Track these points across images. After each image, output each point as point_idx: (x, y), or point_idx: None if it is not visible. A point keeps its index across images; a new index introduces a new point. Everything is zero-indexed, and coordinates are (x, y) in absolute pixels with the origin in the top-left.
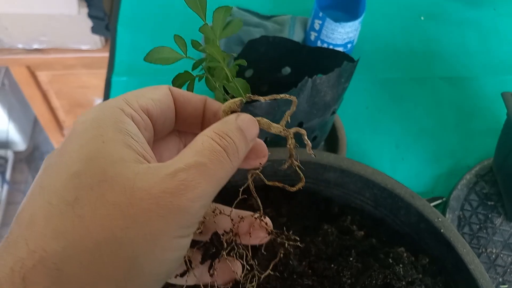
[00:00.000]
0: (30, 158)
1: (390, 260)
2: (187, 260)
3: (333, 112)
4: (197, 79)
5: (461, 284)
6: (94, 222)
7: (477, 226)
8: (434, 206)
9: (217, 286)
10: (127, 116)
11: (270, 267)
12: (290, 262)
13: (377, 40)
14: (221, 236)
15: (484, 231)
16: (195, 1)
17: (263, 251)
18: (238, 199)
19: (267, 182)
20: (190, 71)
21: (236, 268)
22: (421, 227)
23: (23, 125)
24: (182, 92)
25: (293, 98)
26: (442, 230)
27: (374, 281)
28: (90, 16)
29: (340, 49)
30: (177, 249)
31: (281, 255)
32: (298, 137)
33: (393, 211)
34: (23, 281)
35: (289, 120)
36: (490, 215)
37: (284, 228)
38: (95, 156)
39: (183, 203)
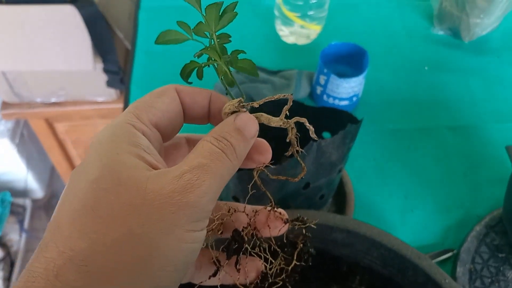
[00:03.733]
0: (48, 205)
1: None
2: (215, 261)
3: (340, 171)
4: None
5: None
6: (113, 221)
7: (489, 280)
8: (445, 259)
9: (248, 283)
10: (138, 131)
11: (295, 257)
12: (310, 250)
13: (382, 91)
14: (241, 232)
15: (496, 284)
16: None
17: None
18: (249, 195)
19: (271, 177)
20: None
21: (262, 262)
22: None
23: (41, 173)
24: (189, 91)
25: (289, 96)
26: None
27: None
28: (105, 70)
29: (346, 102)
30: (191, 241)
31: (302, 243)
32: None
33: (401, 271)
34: (55, 277)
35: (287, 113)
36: (501, 268)
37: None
38: (111, 164)
39: (191, 199)
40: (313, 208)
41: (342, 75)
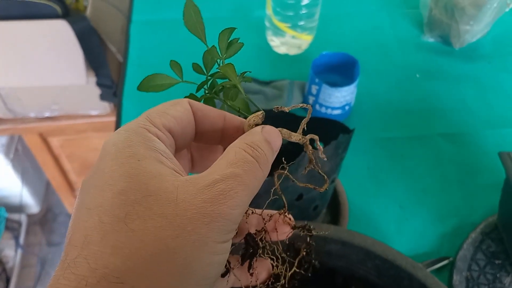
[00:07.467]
0: (43, 220)
1: None
2: (226, 263)
3: (333, 181)
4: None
5: None
6: (147, 234)
7: (486, 287)
8: (441, 267)
9: (258, 285)
10: (152, 135)
11: (296, 264)
12: (313, 261)
13: (375, 100)
14: (255, 237)
15: None
16: (194, 24)
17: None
18: (270, 199)
19: (298, 183)
20: (195, 93)
21: (269, 264)
22: None
23: (36, 188)
24: (201, 107)
25: (309, 106)
26: None
27: None
28: (98, 84)
29: (338, 111)
30: (222, 253)
31: (304, 252)
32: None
33: (396, 281)
34: None
35: (305, 127)
36: (498, 275)
37: None
38: (135, 173)
39: (224, 210)
40: (307, 220)
41: (334, 84)
